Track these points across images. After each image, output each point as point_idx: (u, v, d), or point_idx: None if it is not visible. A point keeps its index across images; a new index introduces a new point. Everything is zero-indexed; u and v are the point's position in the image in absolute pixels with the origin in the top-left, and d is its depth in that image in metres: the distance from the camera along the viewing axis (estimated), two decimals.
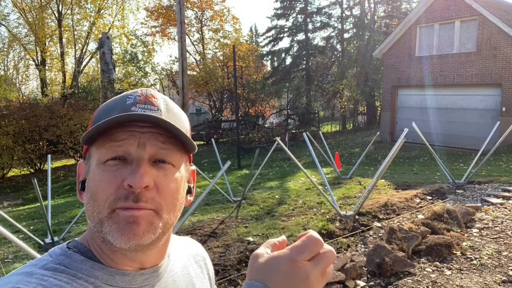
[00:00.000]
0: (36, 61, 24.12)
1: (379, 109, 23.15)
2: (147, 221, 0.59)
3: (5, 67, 25.61)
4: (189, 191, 0.70)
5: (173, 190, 0.63)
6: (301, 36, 26.99)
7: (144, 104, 0.63)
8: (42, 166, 16.35)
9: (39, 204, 5.22)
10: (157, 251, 0.67)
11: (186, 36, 13.46)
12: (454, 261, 3.66)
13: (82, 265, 0.61)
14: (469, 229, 4.49)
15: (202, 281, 0.79)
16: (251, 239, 4.41)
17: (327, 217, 5.03)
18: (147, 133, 0.61)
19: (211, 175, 9.86)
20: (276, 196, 6.70)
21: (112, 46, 18.32)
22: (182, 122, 0.67)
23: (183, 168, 0.66)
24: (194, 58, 27.53)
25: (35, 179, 4.33)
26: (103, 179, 0.60)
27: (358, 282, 3.33)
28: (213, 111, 24.18)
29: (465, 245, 3.97)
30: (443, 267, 3.54)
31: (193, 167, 0.74)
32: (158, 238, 0.62)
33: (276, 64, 28.87)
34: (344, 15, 26.13)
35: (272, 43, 27.84)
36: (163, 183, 0.61)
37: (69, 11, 22.82)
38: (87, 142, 0.63)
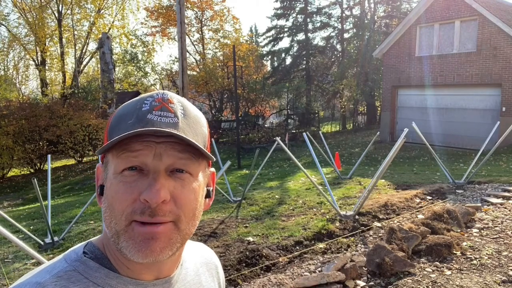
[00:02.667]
0: (36, 61, 24.12)
1: (379, 109, 23.15)
2: (166, 237, 0.59)
3: (5, 67, 25.61)
4: (208, 195, 0.69)
5: (191, 200, 0.62)
6: (301, 36, 27.00)
7: (160, 111, 0.61)
8: (42, 166, 16.35)
9: (39, 204, 5.22)
10: (173, 260, 0.67)
11: (186, 36, 13.46)
12: (454, 261, 3.66)
13: (96, 273, 0.61)
14: (469, 229, 4.49)
15: None
16: (251, 239, 4.41)
17: (327, 217, 5.03)
18: (163, 143, 0.59)
19: None
20: (276, 196, 6.70)
21: (112, 46, 18.32)
22: (201, 127, 0.66)
23: (201, 175, 0.65)
24: (194, 58, 27.55)
25: (35, 179, 4.33)
26: (119, 190, 0.59)
27: (358, 282, 3.33)
28: (213, 111, 24.17)
29: (465, 245, 3.97)
30: (443, 267, 3.54)
31: (212, 169, 0.72)
32: (176, 252, 0.62)
33: (276, 64, 28.87)
34: (344, 15, 26.13)
35: (272, 43, 27.84)
36: (181, 195, 0.60)
37: (69, 11, 22.83)
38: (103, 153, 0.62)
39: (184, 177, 0.61)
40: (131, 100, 0.66)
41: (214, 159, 0.67)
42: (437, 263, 3.63)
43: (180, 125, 0.61)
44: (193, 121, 0.64)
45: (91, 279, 0.60)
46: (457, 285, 3.18)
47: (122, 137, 0.57)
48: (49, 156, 6.32)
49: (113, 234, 0.59)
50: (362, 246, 4.14)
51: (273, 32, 27.75)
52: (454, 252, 3.81)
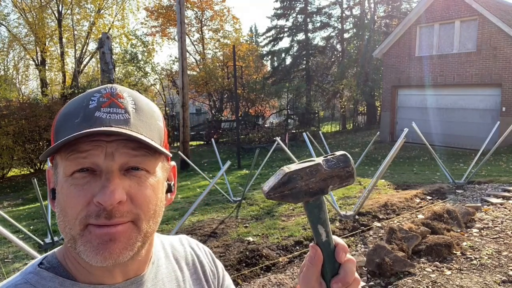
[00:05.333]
0: (36, 61, 24.11)
1: (379, 109, 23.14)
2: (125, 237, 0.55)
3: (5, 67, 25.60)
4: (169, 190, 0.66)
5: (149, 197, 0.58)
6: (301, 36, 27.02)
7: (109, 107, 0.57)
8: (42, 166, 16.34)
9: (39, 204, 5.22)
10: (139, 261, 0.64)
11: (186, 36, 13.46)
12: (454, 261, 3.65)
13: (50, 283, 0.58)
14: (469, 229, 4.49)
15: (194, 283, 0.74)
16: (251, 239, 4.41)
17: None
18: (115, 141, 0.56)
19: (211, 175, 9.86)
20: None
21: (112, 46, 18.31)
22: (155, 121, 0.62)
23: (159, 170, 0.61)
24: (194, 58, 27.55)
25: (35, 179, 4.33)
26: (71, 194, 0.55)
27: None
28: (213, 111, 24.17)
29: (465, 245, 3.97)
30: (443, 267, 3.54)
31: (173, 163, 0.69)
32: (138, 252, 0.58)
33: (276, 64, 28.88)
34: (344, 15, 26.13)
35: (272, 43, 27.85)
36: (138, 193, 0.57)
37: (69, 11, 22.81)
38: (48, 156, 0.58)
39: (140, 174, 0.58)
40: (77, 97, 0.62)
41: (171, 155, 0.63)
42: (437, 263, 3.63)
43: (132, 121, 0.57)
44: (146, 116, 0.60)
45: None
46: (457, 285, 3.18)
47: (67, 140, 0.53)
48: None
49: (69, 240, 0.56)
50: (362, 246, 4.14)
51: (273, 32, 27.76)
52: (454, 252, 3.81)
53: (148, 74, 25.84)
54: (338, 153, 0.56)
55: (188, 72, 16.68)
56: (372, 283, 3.32)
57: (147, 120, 0.60)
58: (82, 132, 0.53)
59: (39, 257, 0.65)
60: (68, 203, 0.55)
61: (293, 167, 0.54)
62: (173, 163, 0.69)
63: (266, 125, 24.01)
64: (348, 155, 0.55)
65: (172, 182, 0.68)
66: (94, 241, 0.54)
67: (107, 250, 0.54)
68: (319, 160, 0.54)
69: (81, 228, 0.55)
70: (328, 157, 0.55)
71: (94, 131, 0.53)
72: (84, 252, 0.55)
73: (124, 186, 0.56)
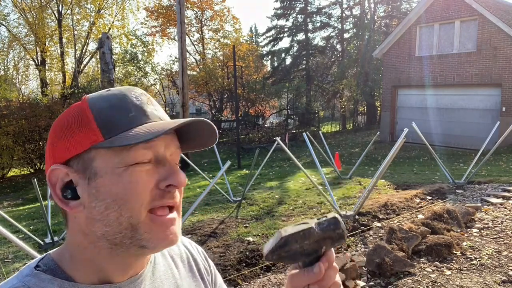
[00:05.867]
0: (36, 61, 24.10)
1: (379, 109, 23.14)
2: (178, 224, 0.62)
3: (5, 67, 25.59)
4: None
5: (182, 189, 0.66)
6: (301, 36, 27.02)
7: (153, 105, 0.63)
8: (42, 166, 16.34)
9: (39, 204, 5.22)
10: (145, 258, 0.65)
11: (186, 36, 13.45)
12: (454, 261, 3.66)
13: (49, 285, 0.58)
14: (469, 229, 4.49)
15: (190, 280, 0.75)
16: (251, 239, 4.41)
17: None
18: (170, 134, 0.62)
19: (211, 175, 9.86)
20: (276, 196, 6.70)
21: (112, 46, 18.31)
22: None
23: None
24: (194, 58, 27.54)
25: (35, 179, 4.33)
26: (137, 181, 0.57)
27: (358, 282, 3.33)
28: (213, 111, 24.17)
29: (465, 245, 3.97)
30: (443, 267, 3.54)
31: None
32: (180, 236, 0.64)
33: (276, 64, 28.88)
34: (344, 15, 26.13)
35: (272, 43, 27.85)
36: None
37: (69, 11, 22.80)
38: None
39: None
40: (109, 93, 0.62)
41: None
42: (437, 263, 3.63)
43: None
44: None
45: None
46: (457, 285, 3.18)
47: (161, 132, 0.56)
48: None
49: (125, 228, 0.57)
50: (362, 246, 4.14)
51: (273, 32, 27.76)
52: (454, 252, 3.81)
53: (148, 74, 25.85)
54: (329, 215, 0.61)
55: (188, 72, 16.68)
56: (372, 283, 3.32)
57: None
58: (171, 126, 0.57)
59: (36, 258, 0.64)
60: (133, 190, 0.57)
61: (289, 230, 0.59)
62: None
63: (266, 125, 24.01)
64: (339, 218, 0.60)
65: None
66: (160, 227, 0.59)
67: (172, 233, 0.60)
68: (312, 223, 0.59)
69: (145, 215, 0.58)
70: (321, 219, 0.60)
71: (185, 122, 0.59)
72: (149, 240, 0.58)
73: None
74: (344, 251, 4.00)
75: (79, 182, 0.58)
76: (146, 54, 25.41)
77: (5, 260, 4.36)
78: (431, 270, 3.49)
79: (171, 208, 0.61)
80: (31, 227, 5.90)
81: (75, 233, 0.61)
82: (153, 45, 26.44)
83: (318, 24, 26.87)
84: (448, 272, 3.43)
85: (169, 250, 0.77)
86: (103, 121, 0.58)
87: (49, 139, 0.61)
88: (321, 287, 0.59)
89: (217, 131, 0.65)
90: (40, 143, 15.92)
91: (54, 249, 0.65)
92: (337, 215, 0.61)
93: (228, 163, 4.31)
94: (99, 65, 20.55)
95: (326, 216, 0.61)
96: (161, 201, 0.59)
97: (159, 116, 0.62)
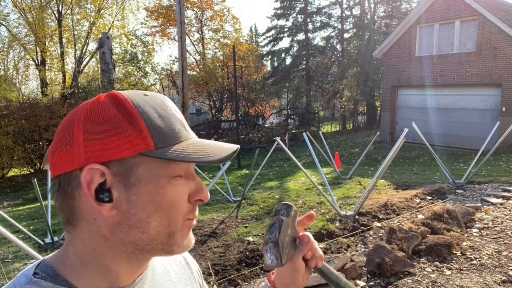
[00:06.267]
0: (36, 61, 24.10)
1: (379, 109, 23.15)
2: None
3: (5, 67, 25.58)
4: None
5: None
6: (301, 36, 27.02)
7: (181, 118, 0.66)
8: (42, 166, 16.33)
9: (39, 204, 5.22)
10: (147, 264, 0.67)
11: (186, 36, 13.46)
12: (454, 261, 3.66)
13: None
14: (469, 229, 4.49)
15: (186, 283, 0.76)
16: (251, 239, 4.41)
17: (327, 217, 5.03)
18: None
19: (211, 175, 9.86)
20: (276, 196, 6.70)
21: (112, 46, 18.31)
22: None
23: None
24: (194, 58, 27.54)
25: (35, 179, 4.33)
26: (179, 193, 0.61)
27: (358, 282, 3.33)
28: (213, 111, 24.18)
29: (465, 245, 3.97)
30: (443, 267, 3.54)
31: None
32: None
33: (276, 64, 28.88)
34: (344, 15, 26.13)
35: (272, 43, 27.85)
36: None
37: (69, 11, 22.81)
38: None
39: None
40: (148, 99, 0.60)
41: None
42: (437, 263, 3.63)
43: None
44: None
45: None
46: (457, 285, 3.18)
47: (219, 160, 0.60)
48: None
49: (163, 237, 0.60)
50: (362, 246, 4.14)
51: (273, 32, 27.77)
52: (454, 252, 3.81)
53: (148, 74, 25.85)
54: (279, 206, 0.74)
55: (188, 72, 16.68)
56: (372, 283, 3.32)
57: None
58: (224, 154, 0.61)
59: (41, 257, 0.63)
60: (176, 203, 0.60)
61: (272, 236, 0.70)
62: None
63: (266, 125, 24.02)
64: (288, 203, 0.74)
65: None
66: (187, 232, 0.63)
67: (192, 237, 0.65)
68: (275, 219, 0.71)
69: (182, 223, 0.62)
70: (280, 213, 0.73)
71: (232, 154, 0.63)
72: (180, 244, 0.62)
73: None
74: (344, 251, 4.00)
75: (115, 185, 0.56)
76: (146, 54, 25.41)
77: (5, 260, 4.36)
78: (431, 270, 3.49)
79: None
80: (31, 227, 5.90)
81: (90, 237, 0.58)
82: (153, 45, 26.45)
83: (318, 24, 26.87)
84: (448, 272, 3.44)
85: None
86: (155, 129, 0.57)
87: (78, 130, 0.56)
88: (313, 254, 0.75)
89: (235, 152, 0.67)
90: (40, 143, 15.92)
91: (50, 255, 0.62)
92: (285, 203, 0.74)
93: (228, 163, 4.31)
94: (99, 65, 20.56)
95: (279, 209, 0.74)
96: (193, 214, 0.63)
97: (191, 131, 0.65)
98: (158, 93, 0.66)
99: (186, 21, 17.15)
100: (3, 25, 23.21)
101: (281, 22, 27.96)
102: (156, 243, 0.59)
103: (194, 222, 0.65)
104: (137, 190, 0.56)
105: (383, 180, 7.34)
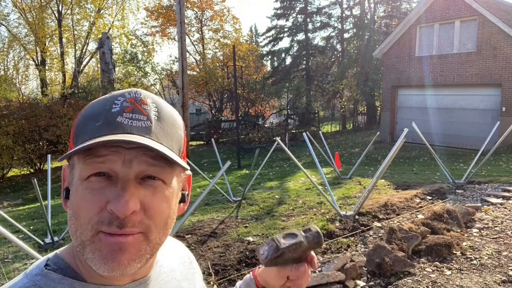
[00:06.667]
0: (36, 61, 24.11)
1: (379, 109, 23.15)
2: (135, 248, 0.55)
3: (5, 67, 25.60)
4: (182, 200, 0.65)
5: (163, 209, 0.58)
6: (301, 36, 27.02)
7: (132, 113, 0.56)
8: (42, 166, 16.35)
9: (39, 204, 5.22)
10: (147, 266, 0.64)
11: (186, 36, 13.46)
12: (454, 261, 3.66)
13: (59, 285, 0.57)
14: (469, 229, 4.49)
15: (190, 282, 0.76)
16: (251, 239, 4.41)
17: (327, 217, 5.03)
18: (134, 149, 0.55)
19: (211, 175, 9.86)
20: (276, 196, 6.70)
21: (112, 46, 18.32)
22: (176, 130, 0.61)
23: (175, 181, 0.60)
24: (194, 58, 27.55)
25: (35, 179, 4.33)
26: (85, 198, 0.54)
27: (358, 282, 3.33)
28: (213, 111, 24.17)
29: (465, 245, 3.97)
30: (443, 267, 3.54)
31: (188, 172, 0.67)
32: (146, 262, 0.58)
33: (276, 64, 28.89)
34: (344, 15, 26.14)
35: (272, 43, 27.86)
36: (152, 204, 0.56)
37: (69, 11, 22.82)
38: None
39: (156, 184, 0.57)
40: (100, 98, 0.61)
41: (189, 168, 0.62)
42: (437, 263, 3.63)
43: (153, 129, 0.57)
44: (168, 124, 0.60)
45: None
46: (457, 285, 3.18)
47: (86, 146, 0.52)
48: (49, 156, 6.32)
49: (78, 244, 0.56)
50: (362, 246, 4.14)
51: (273, 32, 27.77)
52: (454, 252, 3.81)
53: (148, 74, 25.84)
54: (313, 228, 0.77)
55: (188, 72, 16.68)
56: (372, 283, 3.32)
57: (169, 129, 0.59)
58: (101, 140, 0.52)
59: (40, 257, 0.64)
60: (82, 207, 0.55)
61: (282, 241, 0.73)
62: (189, 172, 0.67)
63: (266, 125, 24.02)
64: (319, 231, 0.77)
65: (186, 192, 0.67)
66: (103, 249, 0.54)
67: (116, 261, 0.54)
68: (300, 236, 0.75)
69: (92, 234, 0.54)
70: (307, 233, 0.76)
71: (113, 140, 0.52)
72: (92, 260, 0.54)
73: (138, 195, 0.55)
74: (344, 251, 4.00)
75: (70, 184, 0.59)
76: (146, 54, 25.42)
77: (5, 260, 4.36)
78: (431, 270, 3.49)
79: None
80: (31, 227, 5.90)
81: None
82: (153, 45, 26.47)
83: (318, 24, 26.88)
84: (448, 272, 3.44)
85: (173, 252, 0.77)
86: (76, 128, 0.59)
87: None
88: (298, 279, 0.78)
89: (165, 154, 0.55)
90: (40, 143, 15.93)
91: (62, 248, 0.64)
92: (318, 229, 0.77)
93: (228, 163, 4.31)
94: (99, 65, 20.57)
95: (310, 230, 0.77)
96: (108, 228, 0.53)
97: (136, 127, 0.56)
98: (132, 89, 0.62)
99: (186, 21, 17.16)
100: (3, 25, 23.21)
101: (281, 22, 28.00)
102: (79, 250, 0.56)
103: (120, 239, 0.54)
104: (71, 190, 0.58)
105: (383, 180, 7.34)
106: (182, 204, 0.66)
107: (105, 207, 0.54)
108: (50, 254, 0.63)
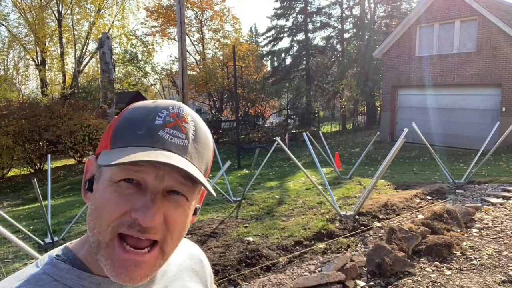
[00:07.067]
0: (36, 61, 24.12)
1: (379, 109, 23.15)
2: (150, 265, 0.58)
3: (5, 67, 25.60)
4: (194, 213, 0.67)
5: (181, 223, 0.61)
6: (301, 36, 27.03)
7: (173, 129, 0.59)
8: (42, 166, 16.35)
9: (39, 204, 5.22)
10: None
11: (186, 36, 13.46)
12: (454, 261, 3.66)
13: (67, 275, 0.59)
14: (469, 229, 4.49)
15: (197, 283, 0.77)
16: (251, 239, 4.41)
17: (327, 217, 5.03)
18: (169, 165, 0.57)
19: (211, 175, 9.87)
20: (276, 196, 6.70)
21: (112, 46, 18.31)
22: (208, 151, 0.64)
23: (194, 197, 0.63)
24: (194, 58, 27.55)
25: (35, 179, 4.33)
26: (112, 200, 0.56)
27: (358, 282, 3.33)
28: (213, 111, 24.17)
29: (465, 245, 3.97)
30: (443, 267, 3.54)
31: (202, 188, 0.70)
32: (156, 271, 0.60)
33: (276, 64, 28.89)
34: (344, 15, 26.14)
35: (272, 43, 27.86)
36: (173, 216, 0.59)
37: (69, 11, 22.82)
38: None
39: (180, 199, 0.59)
40: (144, 105, 0.62)
41: (213, 191, 0.63)
42: (437, 263, 3.63)
43: (189, 149, 0.59)
44: (202, 145, 0.62)
45: (61, 281, 0.59)
46: (457, 285, 3.18)
47: (129, 160, 0.53)
48: (49, 156, 6.32)
49: (94, 241, 0.57)
50: (362, 246, 4.14)
51: (273, 32, 27.77)
52: (454, 252, 3.81)
53: (148, 74, 25.86)
54: None
55: (188, 72, 16.68)
56: (372, 283, 3.32)
57: (202, 150, 0.62)
58: (145, 159, 0.54)
59: (40, 257, 0.65)
60: (106, 207, 0.56)
61: None
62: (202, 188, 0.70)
63: (266, 125, 24.02)
64: None
65: (199, 206, 0.69)
66: (116, 262, 0.56)
67: (128, 275, 0.56)
68: None
69: (110, 238, 0.56)
70: None
71: (155, 161, 0.54)
72: (105, 266, 0.57)
73: (163, 208, 0.57)
74: (344, 251, 4.00)
75: (96, 177, 0.61)
76: (146, 54, 25.43)
77: (5, 260, 4.36)
78: (431, 270, 3.49)
79: (153, 244, 0.58)
80: (31, 227, 5.90)
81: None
82: (153, 45, 26.49)
83: (318, 24, 26.88)
84: (448, 272, 3.43)
85: (183, 252, 0.78)
86: (116, 129, 0.60)
87: None
88: None
89: (192, 175, 0.57)
90: (40, 143, 15.94)
91: (73, 241, 0.66)
92: None
93: (228, 163, 4.31)
94: (99, 65, 20.57)
95: None
96: (127, 229, 0.55)
97: (174, 145, 0.58)
98: (170, 100, 0.64)
99: (186, 21, 17.15)
100: (3, 25, 23.22)
101: (281, 22, 28.03)
102: (93, 248, 0.58)
103: (139, 251, 0.56)
104: (96, 186, 0.60)
105: (383, 180, 7.34)
106: (193, 216, 0.68)
107: (129, 212, 0.56)
108: (61, 247, 0.65)
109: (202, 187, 0.64)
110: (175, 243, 0.61)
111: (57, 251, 0.64)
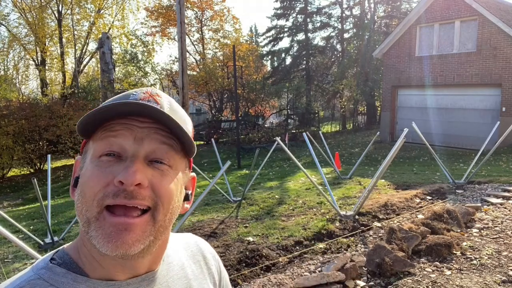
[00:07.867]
0: (36, 61, 24.11)
1: (379, 109, 23.14)
2: (140, 229, 0.56)
3: (5, 67, 25.59)
4: (186, 198, 0.67)
5: (171, 190, 0.60)
6: (301, 36, 27.01)
7: (148, 102, 0.60)
8: (42, 166, 16.35)
9: (39, 204, 5.22)
10: (152, 257, 0.63)
11: (186, 36, 13.46)
12: (454, 261, 3.65)
13: (63, 278, 0.58)
14: (469, 229, 4.49)
15: (202, 282, 0.75)
16: (251, 239, 4.41)
17: (327, 217, 5.03)
18: (147, 128, 0.58)
19: (211, 175, 9.87)
20: (276, 196, 6.70)
21: (112, 46, 18.30)
22: (185, 123, 0.64)
23: (180, 172, 0.63)
24: (194, 58, 27.54)
25: (35, 179, 4.33)
26: (93, 174, 0.56)
27: (358, 282, 3.33)
28: (213, 111, 24.17)
29: (465, 245, 3.97)
30: (443, 267, 3.54)
31: (193, 174, 0.71)
32: (149, 246, 0.58)
33: (276, 64, 28.88)
34: (344, 15, 26.13)
35: (272, 43, 27.85)
36: (160, 183, 0.58)
37: (69, 11, 22.82)
38: (84, 132, 0.59)
39: (163, 168, 0.59)
40: (119, 94, 0.65)
41: (196, 150, 0.65)
42: (437, 263, 3.63)
43: (167, 112, 0.60)
44: (179, 116, 0.63)
45: (57, 285, 0.58)
46: (457, 285, 3.18)
47: (102, 108, 0.55)
48: (49, 156, 6.32)
49: (84, 223, 0.57)
50: (362, 246, 4.14)
51: (273, 32, 27.76)
52: (454, 252, 3.81)
53: (148, 74, 25.84)
54: None
55: (188, 72, 16.68)
56: (372, 283, 3.32)
57: (179, 119, 0.62)
58: (116, 102, 0.56)
59: (40, 257, 0.64)
60: (88, 183, 0.56)
61: None
62: (193, 174, 0.71)
63: (266, 125, 24.01)
64: None
65: (190, 191, 0.69)
66: (107, 228, 0.55)
67: (120, 239, 0.54)
68: None
69: (98, 211, 0.56)
70: None
71: (128, 103, 0.56)
72: (96, 238, 0.55)
73: (147, 174, 0.57)
74: (344, 251, 4.00)
75: (80, 172, 0.61)
76: (146, 54, 25.41)
77: (5, 260, 4.36)
78: (431, 270, 3.49)
79: (144, 211, 0.57)
80: (31, 227, 5.90)
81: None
82: (153, 45, 26.45)
83: (318, 24, 26.87)
84: (448, 272, 3.43)
85: (183, 249, 0.77)
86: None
87: None
88: None
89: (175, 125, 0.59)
90: (40, 143, 15.94)
91: (69, 243, 0.65)
92: None
93: (228, 163, 4.31)
94: (99, 65, 20.56)
95: None
96: (113, 199, 0.55)
97: (149, 106, 0.58)
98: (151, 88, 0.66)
99: (186, 21, 17.15)
100: (3, 25, 23.22)
101: (281, 22, 28.02)
102: (84, 230, 0.57)
103: (127, 220, 0.54)
104: (81, 172, 0.60)
105: (383, 180, 7.34)
106: (185, 202, 0.68)
107: (111, 182, 0.55)
108: (56, 250, 0.64)
109: (186, 166, 0.65)
110: (166, 213, 0.59)
111: (52, 254, 0.63)
